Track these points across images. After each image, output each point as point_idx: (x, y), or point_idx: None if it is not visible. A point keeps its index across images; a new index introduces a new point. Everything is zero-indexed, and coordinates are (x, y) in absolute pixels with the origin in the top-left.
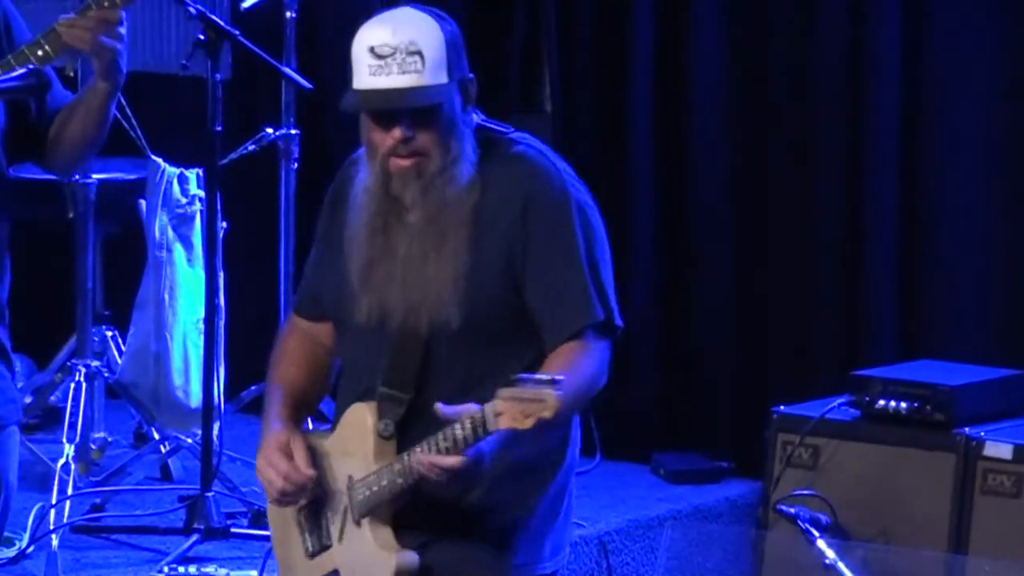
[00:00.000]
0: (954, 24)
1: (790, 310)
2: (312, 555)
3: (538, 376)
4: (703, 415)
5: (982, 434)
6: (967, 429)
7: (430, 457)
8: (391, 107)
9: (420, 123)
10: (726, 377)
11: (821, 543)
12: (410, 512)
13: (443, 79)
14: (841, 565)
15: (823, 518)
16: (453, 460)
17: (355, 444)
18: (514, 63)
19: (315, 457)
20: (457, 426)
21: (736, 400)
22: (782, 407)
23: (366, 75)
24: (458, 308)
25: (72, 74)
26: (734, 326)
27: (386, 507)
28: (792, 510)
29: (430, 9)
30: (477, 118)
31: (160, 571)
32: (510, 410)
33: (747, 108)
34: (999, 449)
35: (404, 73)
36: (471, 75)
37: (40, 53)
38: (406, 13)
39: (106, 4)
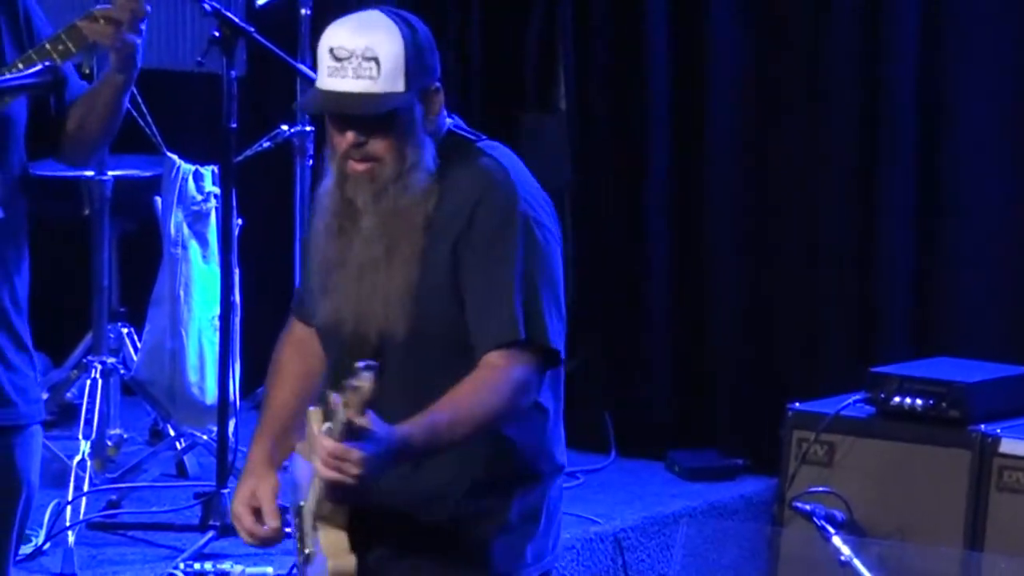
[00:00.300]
0: (972, 19)
1: (805, 307)
2: (304, 564)
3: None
4: (718, 412)
5: (998, 431)
6: (983, 426)
7: (321, 439)
8: (341, 112)
9: (373, 129)
10: (741, 374)
11: (836, 540)
12: (383, 525)
13: (399, 87)
14: (856, 562)
15: (838, 515)
16: (329, 443)
17: (311, 448)
18: (529, 61)
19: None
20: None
21: (751, 397)
22: (797, 404)
23: (325, 76)
24: (405, 319)
25: (88, 71)
26: (749, 323)
27: (337, 511)
28: (807, 507)
29: (400, 13)
30: (451, 122)
31: (176, 567)
32: (346, 400)
33: (763, 105)
34: (1015, 446)
35: (358, 78)
36: (437, 84)
37: (60, 48)
38: (371, 17)
39: None
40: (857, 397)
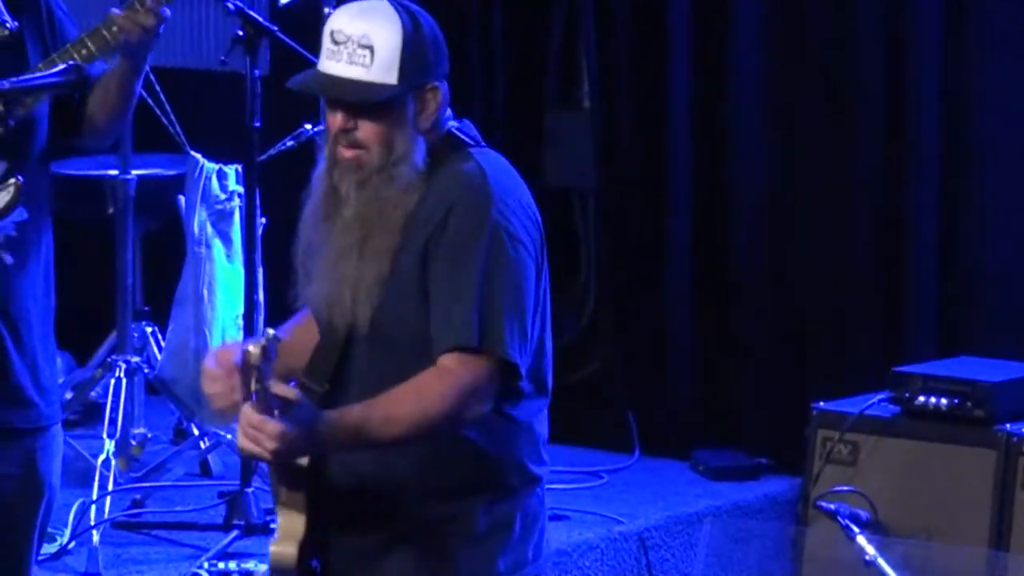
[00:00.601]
0: (996, 9)
1: (829, 306)
2: None
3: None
4: (742, 411)
5: (1023, 430)
6: (1008, 425)
7: (245, 408)
8: (326, 94)
9: (362, 117)
10: (765, 373)
11: (861, 539)
12: (345, 524)
13: (391, 79)
14: (881, 561)
15: (863, 514)
16: (250, 413)
17: None
18: (552, 59)
19: None
20: None
21: (775, 396)
22: (822, 403)
23: (323, 57)
24: (369, 312)
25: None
26: (773, 322)
27: (294, 496)
28: (832, 506)
29: (410, 7)
30: (455, 124)
31: (200, 567)
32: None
33: (787, 101)
34: None
35: (351, 64)
36: (436, 83)
37: (83, 52)
38: (374, 6)
39: None
40: (881, 396)
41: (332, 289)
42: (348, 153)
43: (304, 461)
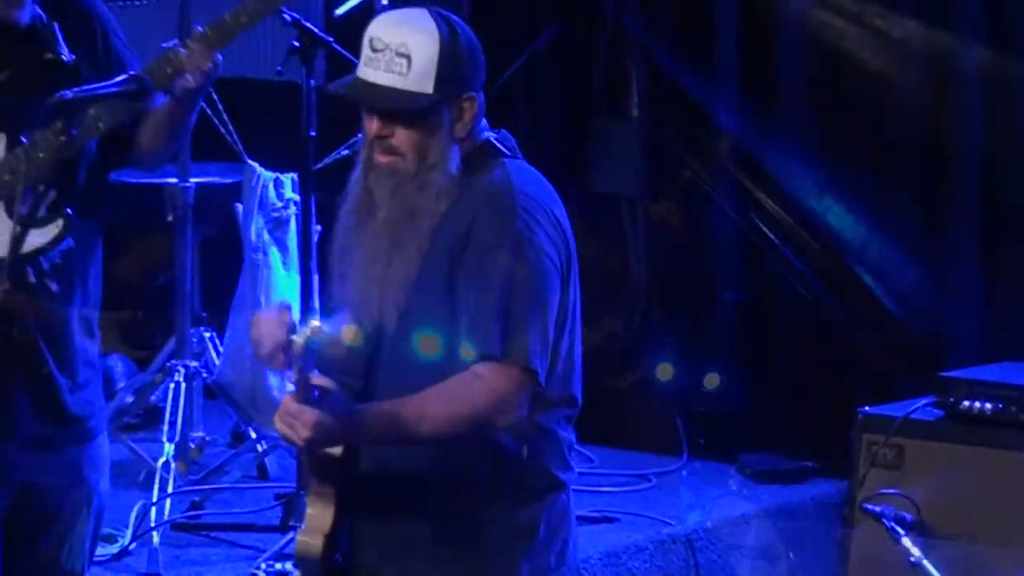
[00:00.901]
0: None
1: (876, 312)
2: None
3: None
4: (789, 415)
5: None
6: None
7: (284, 397)
8: (361, 100)
9: (397, 124)
10: (811, 378)
11: (906, 541)
12: (371, 525)
13: (427, 88)
14: (926, 563)
15: (908, 517)
16: (288, 402)
17: None
18: (601, 69)
19: None
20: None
21: (821, 401)
22: (868, 407)
23: (362, 64)
24: (396, 314)
25: None
26: (819, 328)
27: (324, 489)
28: (877, 509)
29: (450, 17)
30: (492, 135)
31: (257, 567)
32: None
33: (832, 112)
34: None
35: (388, 72)
36: (473, 94)
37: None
38: (414, 14)
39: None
40: (927, 401)
41: (362, 291)
42: (383, 159)
43: (336, 452)
